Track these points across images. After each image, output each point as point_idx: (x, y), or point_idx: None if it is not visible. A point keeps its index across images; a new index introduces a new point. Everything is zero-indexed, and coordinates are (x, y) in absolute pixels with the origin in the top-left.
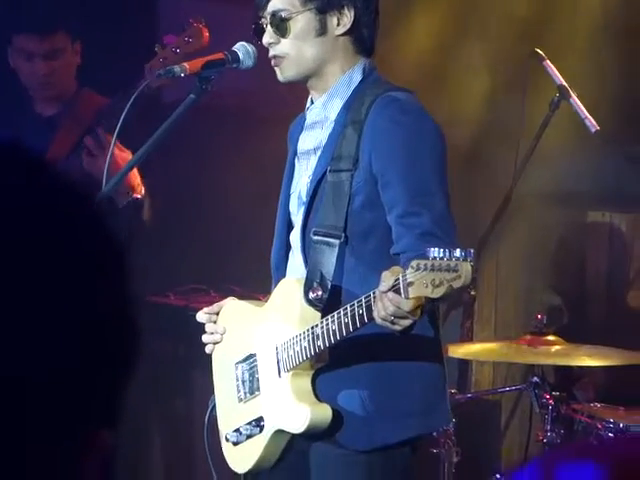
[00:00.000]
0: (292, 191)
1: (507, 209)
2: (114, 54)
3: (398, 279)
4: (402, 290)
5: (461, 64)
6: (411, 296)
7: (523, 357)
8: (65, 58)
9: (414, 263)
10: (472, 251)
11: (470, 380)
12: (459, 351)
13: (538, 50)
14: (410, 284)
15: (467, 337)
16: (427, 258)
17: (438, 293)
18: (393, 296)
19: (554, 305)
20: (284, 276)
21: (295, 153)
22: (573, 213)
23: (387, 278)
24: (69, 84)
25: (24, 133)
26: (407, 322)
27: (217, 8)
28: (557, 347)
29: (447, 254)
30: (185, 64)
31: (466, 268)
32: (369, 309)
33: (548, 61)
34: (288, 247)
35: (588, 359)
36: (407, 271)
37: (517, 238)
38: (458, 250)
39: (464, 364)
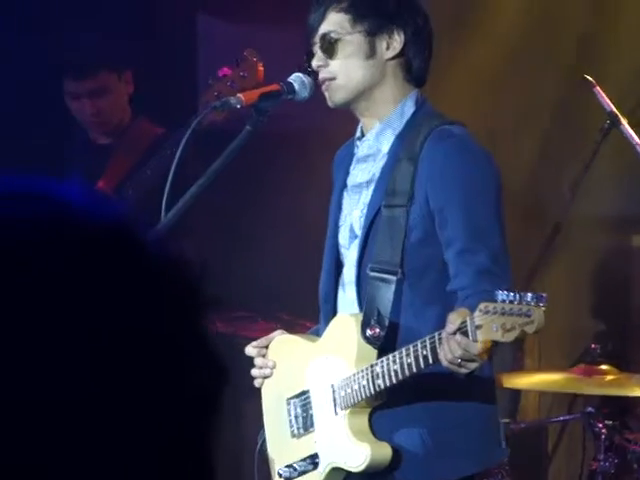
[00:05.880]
0: (341, 223)
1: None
2: (156, 81)
3: (465, 321)
4: (470, 333)
5: (510, 90)
6: (479, 339)
7: (579, 387)
8: (112, 95)
9: (482, 306)
10: (544, 296)
11: (518, 409)
12: (517, 382)
13: (588, 77)
14: (478, 327)
15: (517, 367)
16: (495, 301)
17: (509, 337)
18: (461, 338)
19: (600, 333)
20: (333, 308)
21: (344, 183)
22: (618, 238)
23: (454, 319)
24: (122, 116)
25: (75, 160)
26: (474, 365)
27: (254, 31)
28: (611, 377)
29: (517, 298)
30: (241, 95)
31: (539, 313)
32: (434, 350)
33: (598, 87)
34: (336, 279)
35: None
36: (475, 314)
37: (563, 265)
38: (529, 294)
39: (514, 393)
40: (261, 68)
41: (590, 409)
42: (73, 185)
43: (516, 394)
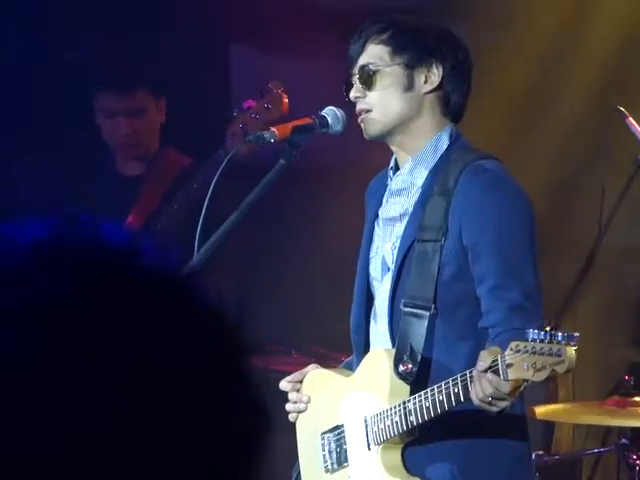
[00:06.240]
0: (372, 255)
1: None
2: (187, 111)
3: (496, 360)
4: (501, 372)
5: (542, 121)
6: (510, 378)
7: (612, 419)
8: (148, 117)
9: (513, 345)
10: (576, 335)
11: (552, 441)
12: (550, 413)
13: (620, 108)
14: (509, 366)
15: (551, 399)
16: (526, 340)
17: (540, 377)
18: (492, 377)
19: (633, 364)
20: (364, 340)
21: (375, 214)
22: None
23: (485, 358)
24: (152, 143)
25: (105, 194)
26: (504, 404)
27: (287, 63)
28: None
29: (547, 337)
30: (274, 129)
31: (570, 353)
32: (465, 388)
33: (631, 118)
34: (367, 310)
35: None
36: (506, 352)
37: (596, 296)
38: (560, 333)
39: (548, 425)
40: (286, 100)
41: (624, 441)
42: (113, 224)
43: (550, 426)
